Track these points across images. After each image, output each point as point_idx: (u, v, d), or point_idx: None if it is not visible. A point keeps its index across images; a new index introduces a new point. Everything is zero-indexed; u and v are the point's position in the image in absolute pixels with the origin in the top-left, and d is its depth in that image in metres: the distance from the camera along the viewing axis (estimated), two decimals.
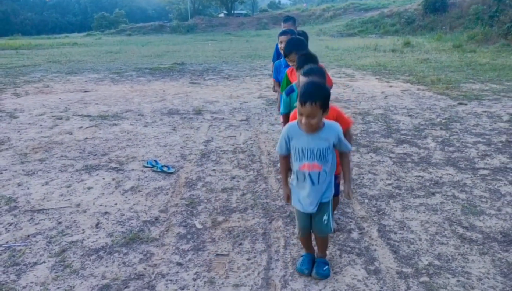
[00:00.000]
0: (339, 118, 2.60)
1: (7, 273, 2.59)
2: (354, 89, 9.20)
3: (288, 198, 2.51)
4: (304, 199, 2.40)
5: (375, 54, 17.01)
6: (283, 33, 4.26)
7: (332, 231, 2.57)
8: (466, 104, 7.39)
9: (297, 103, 2.24)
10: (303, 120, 2.23)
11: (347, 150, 2.42)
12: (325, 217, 2.46)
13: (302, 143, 2.33)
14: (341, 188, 2.89)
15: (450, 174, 4.19)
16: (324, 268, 2.55)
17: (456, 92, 8.48)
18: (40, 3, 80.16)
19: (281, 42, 4.14)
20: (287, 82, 3.70)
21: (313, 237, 2.67)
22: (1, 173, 4.30)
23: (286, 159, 2.49)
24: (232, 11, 59.26)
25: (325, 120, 2.34)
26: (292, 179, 2.47)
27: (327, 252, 2.73)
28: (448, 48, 17.64)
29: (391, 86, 9.46)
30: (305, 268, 2.55)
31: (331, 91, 2.41)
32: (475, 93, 8.31)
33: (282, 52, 3.98)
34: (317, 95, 2.17)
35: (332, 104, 2.43)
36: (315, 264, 2.59)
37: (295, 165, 2.40)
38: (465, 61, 13.38)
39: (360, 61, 14.47)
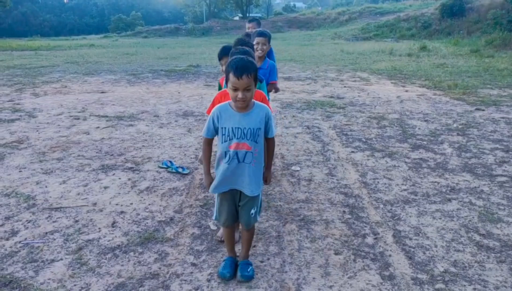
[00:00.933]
0: (264, 101, 2.77)
1: (26, 269, 2.65)
2: (369, 93, 9.15)
3: (210, 187, 2.48)
4: (225, 182, 2.38)
5: (390, 58, 16.88)
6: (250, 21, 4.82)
7: (258, 220, 2.58)
8: (483, 110, 7.29)
9: (230, 82, 2.24)
10: (240, 95, 2.23)
11: (272, 135, 2.45)
12: (252, 211, 2.48)
13: (233, 122, 2.31)
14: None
15: (467, 180, 4.14)
16: (248, 270, 2.54)
17: (473, 98, 8.36)
18: (58, 5, 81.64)
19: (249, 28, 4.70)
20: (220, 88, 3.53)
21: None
22: (20, 171, 4.40)
23: (210, 143, 2.46)
24: (247, 14, 59.47)
25: (255, 101, 2.38)
26: (216, 165, 2.43)
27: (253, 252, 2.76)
28: (465, 53, 17.41)
29: (406, 91, 9.38)
30: (226, 272, 2.53)
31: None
32: (493, 99, 8.19)
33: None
34: (251, 67, 2.22)
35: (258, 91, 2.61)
36: (239, 267, 2.57)
37: (223, 146, 2.35)
38: (482, 67, 13.19)
39: (376, 65, 14.38)
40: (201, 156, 2.59)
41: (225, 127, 2.33)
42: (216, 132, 2.39)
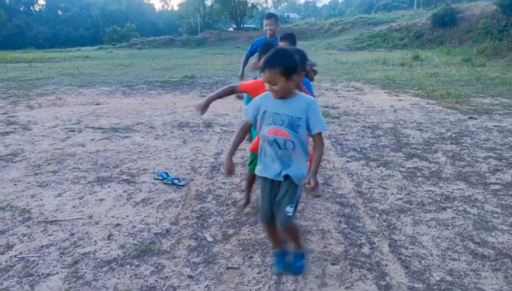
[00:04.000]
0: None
1: (21, 284, 2.63)
2: (363, 102, 9.22)
3: (229, 171, 2.46)
4: (268, 164, 2.39)
5: (384, 68, 17.05)
6: (268, 16, 5.00)
7: (293, 219, 2.44)
8: (476, 119, 7.37)
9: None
10: (267, 86, 2.30)
11: (322, 128, 2.30)
12: (288, 209, 2.37)
13: (273, 107, 2.34)
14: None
15: (461, 189, 4.17)
16: (299, 263, 2.49)
17: (466, 107, 8.46)
18: (53, 17, 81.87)
19: (267, 25, 4.96)
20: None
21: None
22: (15, 184, 4.38)
23: (248, 127, 2.49)
24: (242, 25, 59.91)
25: (302, 93, 2.38)
26: (259, 150, 2.46)
27: (303, 245, 2.69)
28: (457, 62, 17.63)
29: (400, 100, 9.46)
30: (279, 267, 2.50)
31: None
32: (485, 108, 8.28)
33: (268, 34, 4.92)
34: (276, 62, 2.22)
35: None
36: (292, 260, 2.53)
37: (263, 130, 2.38)
38: (474, 75, 13.35)
39: (369, 75, 14.50)
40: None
41: (265, 111, 2.36)
42: (256, 116, 2.41)
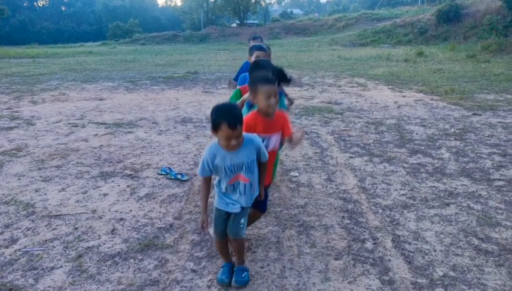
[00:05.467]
0: (285, 126, 2.76)
1: (26, 277, 2.65)
2: (367, 99, 9.19)
3: (203, 225, 2.49)
4: (227, 203, 2.50)
5: (387, 64, 16.97)
6: (259, 48, 3.84)
7: (244, 231, 2.61)
8: (480, 115, 7.33)
9: (222, 132, 2.24)
10: (233, 142, 2.29)
11: (265, 159, 2.54)
12: (242, 220, 2.54)
13: (228, 161, 2.39)
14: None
15: (465, 185, 4.16)
16: (243, 275, 2.58)
17: (470, 103, 8.42)
18: (56, 13, 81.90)
19: (257, 57, 3.68)
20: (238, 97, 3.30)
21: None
22: (19, 179, 4.40)
23: (208, 181, 2.49)
24: (245, 21, 59.72)
25: (243, 133, 2.41)
26: (219, 190, 2.54)
27: (245, 259, 2.76)
28: (461, 58, 17.51)
29: (404, 96, 9.43)
30: (225, 278, 2.57)
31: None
32: (490, 104, 8.24)
33: None
34: (240, 116, 2.29)
35: (282, 111, 2.71)
36: (234, 273, 2.60)
37: (224, 182, 2.47)
38: (479, 72, 13.27)
39: (373, 71, 14.45)
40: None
41: (221, 166, 2.41)
42: (211, 172, 2.45)
